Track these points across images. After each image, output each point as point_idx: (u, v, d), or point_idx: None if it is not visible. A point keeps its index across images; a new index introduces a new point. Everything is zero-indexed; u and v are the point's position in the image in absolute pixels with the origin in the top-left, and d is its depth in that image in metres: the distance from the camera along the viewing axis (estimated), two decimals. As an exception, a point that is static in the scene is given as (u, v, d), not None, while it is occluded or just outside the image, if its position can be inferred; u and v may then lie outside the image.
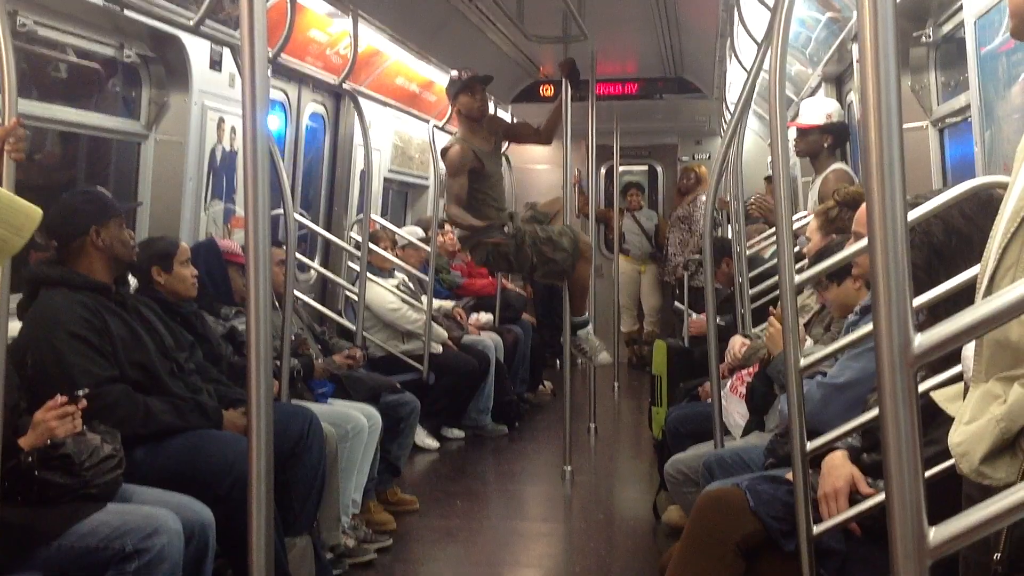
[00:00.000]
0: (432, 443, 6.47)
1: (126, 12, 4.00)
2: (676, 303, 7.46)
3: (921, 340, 1.07)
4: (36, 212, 2.54)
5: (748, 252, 5.34)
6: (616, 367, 8.75)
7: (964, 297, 1.91)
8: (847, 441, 2.55)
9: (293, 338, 4.60)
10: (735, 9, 4.73)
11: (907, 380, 1.06)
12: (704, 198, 6.99)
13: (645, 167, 11.15)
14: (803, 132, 5.06)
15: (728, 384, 4.00)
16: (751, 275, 4.93)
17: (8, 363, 2.70)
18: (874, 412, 2.23)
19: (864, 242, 2.56)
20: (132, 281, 3.94)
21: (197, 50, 4.68)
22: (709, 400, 3.94)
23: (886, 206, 1.08)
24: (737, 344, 4.18)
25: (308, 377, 4.68)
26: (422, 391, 5.93)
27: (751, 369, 3.84)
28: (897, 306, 1.06)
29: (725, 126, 8.41)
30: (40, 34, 3.94)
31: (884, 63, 1.10)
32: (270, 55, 4.43)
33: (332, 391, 4.82)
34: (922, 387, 2.07)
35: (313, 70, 5.75)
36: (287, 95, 6.09)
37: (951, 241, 2.22)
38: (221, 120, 4.95)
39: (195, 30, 4.04)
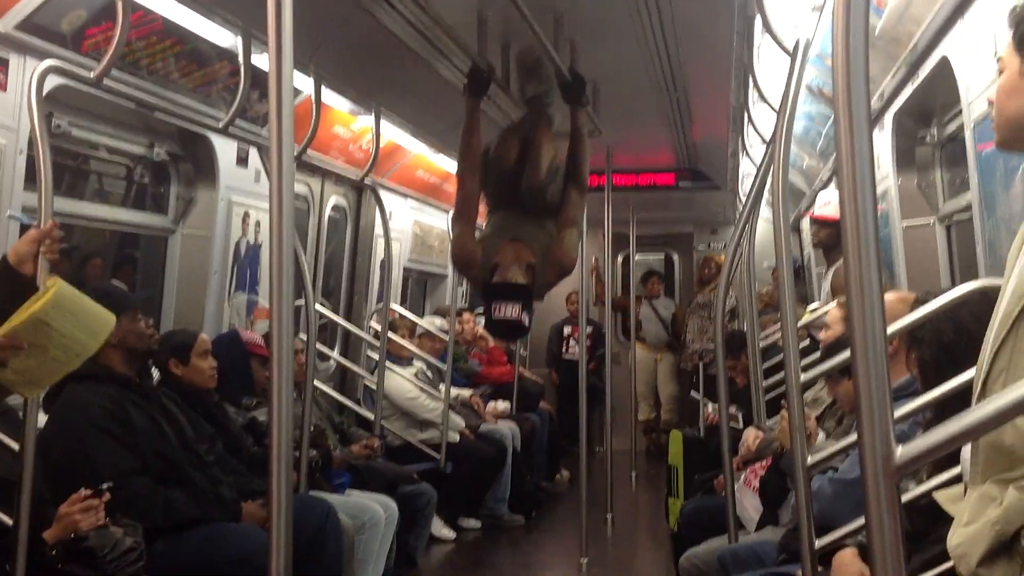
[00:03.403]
0: (449, 533, 6.44)
1: (156, 113, 4.17)
2: (693, 392, 7.47)
3: (903, 451, 1.12)
4: (111, 317, 2.69)
5: (764, 343, 5.37)
6: (633, 456, 8.72)
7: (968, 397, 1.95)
8: (858, 539, 2.56)
9: (312, 429, 4.66)
10: (744, 109, 4.86)
11: (889, 490, 1.12)
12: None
13: (661, 255, 11.24)
14: (823, 223, 5.11)
15: (742, 477, 4.01)
16: (766, 366, 4.95)
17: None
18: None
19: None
20: (156, 372, 4.04)
21: (225, 148, 4.84)
22: (724, 492, 3.95)
23: (866, 322, 1.15)
24: (751, 437, 4.19)
25: (326, 468, 4.72)
26: (439, 480, 5.94)
27: (765, 462, 3.85)
28: (879, 419, 1.12)
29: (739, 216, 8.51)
30: (74, 134, 4.11)
31: (860, 168, 1.17)
32: (296, 152, 4.58)
33: (349, 481, 4.85)
34: (926, 487, 2.11)
35: (336, 165, 5.90)
36: (310, 188, 6.24)
37: (961, 340, 2.25)
38: (246, 214, 5.09)
39: (224, 131, 4.19)
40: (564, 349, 9.88)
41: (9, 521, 2.69)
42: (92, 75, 3.18)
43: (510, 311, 3.60)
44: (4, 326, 2.45)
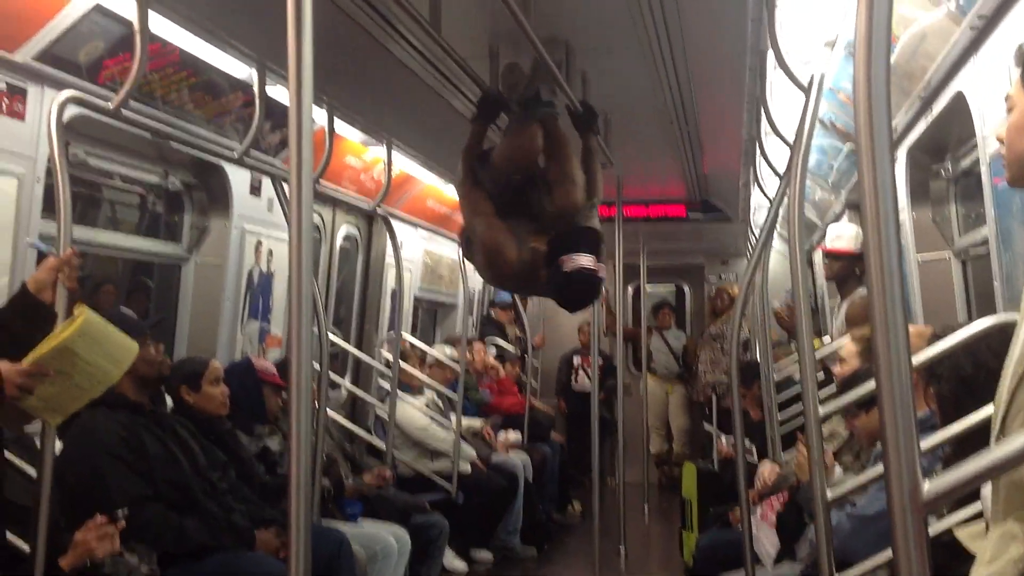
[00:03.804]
0: (460, 565, 6.38)
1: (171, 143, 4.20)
2: (706, 424, 7.44)
3: (930, 487, 1.11)
4: (134, 346, 2.72)
5: (778, 377, 5.35)
6: (646, 488, 8.68)
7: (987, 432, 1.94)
8: (876, 574, 2.54)
9: (324, 458, 4.65)
10: (756, 141, 4.87)
11: (917, 525, 1.11)
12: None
13: (672, 286, 11.23)
14: (836, 257, 5.11)
15: (759, 511, 3.98)
16: (780, 399, 4.93)
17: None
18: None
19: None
20: (169, 400, 4.04)
21: (238, 177, 4.87)
22: (740, 526, 3.92)
23: (891, 355, 1.14)
24: (767, 471, 4.17)
25: (339, 497, 4.71)
26: (451, 511, 5.91)
27: (782, 496, 3.83)
28: (905, 454, 1.11)
29: (751, 248, 8.51)
30: (90, 163, 4.14)
31: (884, 202, 1.17)
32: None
33: (362, 511, 4.83)
34: (946, 523, 2.09)
35: (348, 194, 5.93)
36: (322, 218, 6.27)
37: (980, 375, 2.24)
38: (259, 243, 5.12)
39: (239, 161, 4.22)
40: (573, 379, 9.86)
41: (27, 548, 2.69)
42: (110, 105, 3.21)
43: (586, 259, 3.20)
44: (31, 354, 2.48)
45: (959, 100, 3.32)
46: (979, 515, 1.88)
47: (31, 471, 2.79)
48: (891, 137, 1.19)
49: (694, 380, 9.60)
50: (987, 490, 1.61)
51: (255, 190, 5.09)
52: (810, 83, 2.98)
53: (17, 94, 3.34)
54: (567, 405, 9.74)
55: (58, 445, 3.28)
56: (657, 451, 9.94)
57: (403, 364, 6.36)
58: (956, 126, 3.64)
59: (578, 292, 3.38)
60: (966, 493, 1.26)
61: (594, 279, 3.21)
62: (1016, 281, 2.85)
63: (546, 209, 3.55)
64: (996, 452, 1.14)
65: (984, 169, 3.10)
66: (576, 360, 9.85)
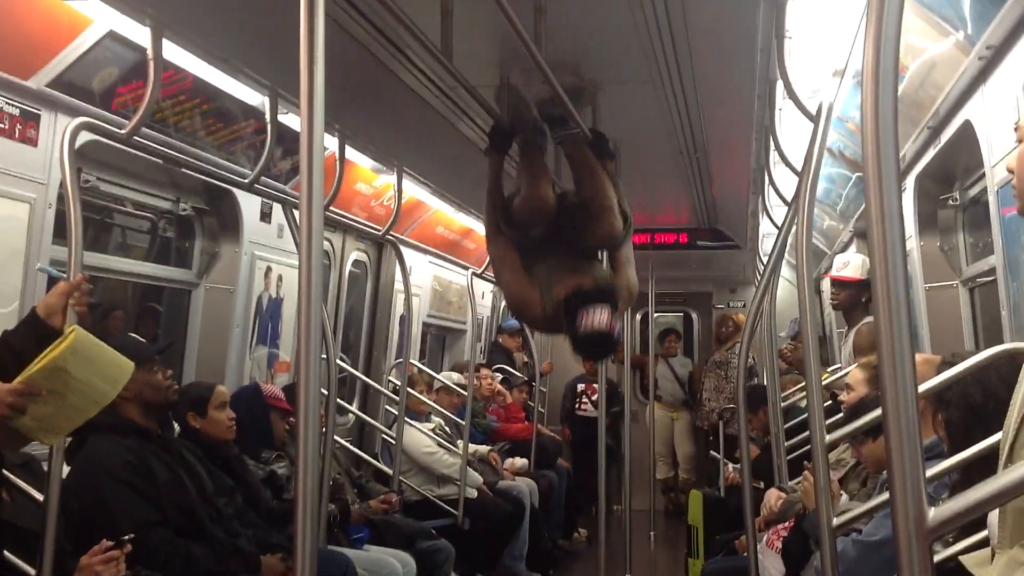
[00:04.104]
0: (466, 591, 6.38)
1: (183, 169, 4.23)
2: (712, 451, 7.42)
3: (935, 514, 1.12)
4: (129, 365, 2.70)
5: (784, 404, 5.33)
6: (652, 515, 8.65)
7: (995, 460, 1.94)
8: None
9: (331, 483, 4.65)
10: (765, 170, 4.89)
11: (922, 552, 1.11)
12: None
13: (680, 314, 11.22)
14: (843, 285, 5.11)
15: (764, 538, 3.97)
16: (787, 426, 4.92)
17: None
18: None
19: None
20: (177, 425, 4.05)
21: (249, 203, 4.90)
22: (746, 554, 3.91)
23: (898, 383, 1.15)
24: (773, 498, 4.16)
25: (345, 522, 4.70)
26: (457, 536, 5.89)
27: (788, 523, 3.81)
28: (911, 480, 1.11)
29: (759, 275, 8.51)
30: (102, 189, 4.18)
31: (891, 233, 1.18)
32: (318, 208, 4.62)
33: (368, 536, 4.83)
34: (952, 550, 2.08)
35: (358, 220, 5.95)
36: (331, 243, 6.30)
37: (989, 404, 2.24)
38: (269, 269, 5.14)
39: (250, 188, 4.24)
40: (577, 406, 9.84)
41: (32, 572, 2.70)
42: (123, 132, 3.24)
43: (599, 317, 3.17)
44: (23, 373, 2.47)
45: (967, 129, 3.34)
46: (986, 542, 1.88)
47: (38, 495, 2.79)
48: (899, 167, 1.20)
49: (699, 407, 9.59)
50: (994, 517, 1.62)
51: (266, 216, 5.12)
52: (818, 112, 2.99)
53: (31, 120, 3.38)
54: (572, 432, 9.71)
55: (65, 469, 3.30)
56: (663, 478, 9.91)
57: (410, 390, 6.36)
58: (964, 155, 3.66)
59: (593, 351, 3.46)
60: (972, 520, 1.26)
61: (606, 338, 3.21)
62: (1023, 310, 2.85)
63: (587, 241, 3.58)
64: (1001, 480, 1.15)
65: (992, 198, 3.11)
66: (581, 387, 9.84)
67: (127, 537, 3.01)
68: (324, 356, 4.84)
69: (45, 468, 2.86)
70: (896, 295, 1.15)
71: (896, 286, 1.15)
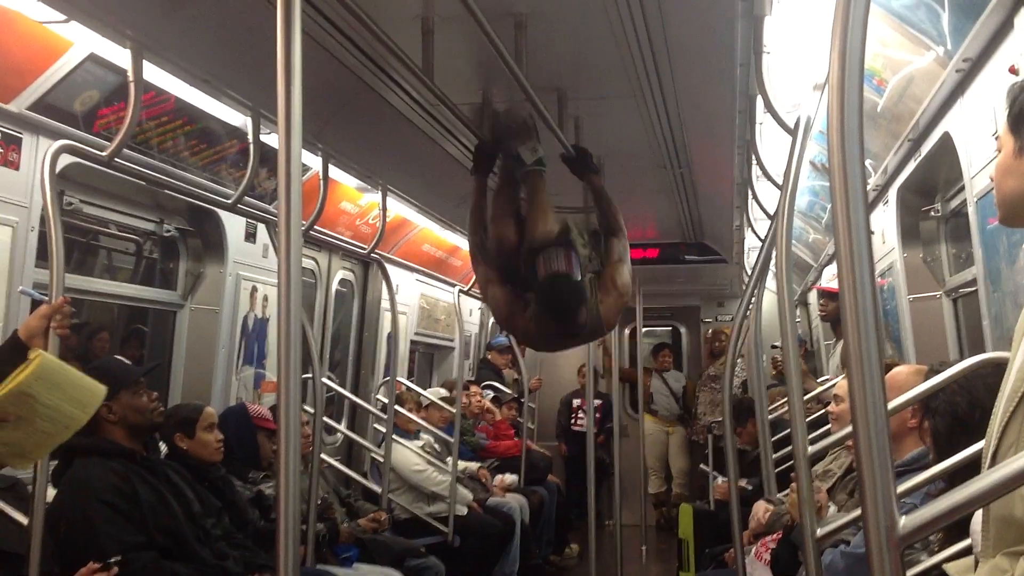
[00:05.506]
0: (456, 609, 6.34)
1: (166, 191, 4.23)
2: (702, 465, 7.42)
3: (906, 522, 1.12)
4: (100, 389, 2.67)
5: (772, 416, 5.35)
6: (644, 529, 8.63)
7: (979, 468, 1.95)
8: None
9: (320, 502, 4.63)
10: (748, 185, 4.91)
11: (894, 561, 1.12)
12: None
13: (669, 328, 11.24)
14: (832, 296, 5.14)
15: (753, 551, 3.96)
16: (775, 439, 4.93)
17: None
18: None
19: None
20: (164, 447, 4.04)
21: (233, 223, 4.90)
22: (735, 566, 3.91)
23: (867, 393, 1.16)
24: (761, 510, 4.15)
25: (333, 542, 4.68)
26: (447, 554, 5.87)
27: (776, 535, 3.81)
28: (882, 490, 1.12)
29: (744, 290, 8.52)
30: (85, 211, 4.17)
31: (857, 247, 1.19)
32: (303, 227, 4.63)
33: (357, 555, 4.81)
34: (936, 559, 2.09)
35: (343, 239, 5.96)
36: (317, 263, 6.29)
37: (975, 413, 2.25)
38: (254, 289, 5.13)
39: (233, 208, 4.24)
40: (573, 421, 9.83)
41: (17, 596, 2.68)
42: (104, 155, 3.24)
43: (557, 260, 3.25)
44: None
45: (947, 141, 3.36)
46: (969, 550, 1.89)
47: (23, 519, 2.78)
48: (864, 180, 1.21)
49: (693, 421, 9.60)
50: (977, 525, 1.62)
51: (250, 236, 5.12)
52: (796, 125, 3.02)
53: (12, 143, 3.38)
54: (568, 447, 9.71)
55: (52, 492, 3.28)
56: (656, 492, 9.91)
57: (399, 408, 6.35)
58: (944, 167, 3.68)
59: (558, 298, 3.43)
60: (951, 529, 1.27)
61: (567, 279, 3.27)
62: (1004, 319, 2.87)
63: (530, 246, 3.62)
64: (971, 487, 1.15)
65: (971, 209, 3.13)
66: (576, 402, 9.83)
67: (113, 559, 3.00)
68: (310, 375, 4.83)
69: (30, 491, 2.84)
70: (864, 308, 1.16)
71: (864, 299, 1.16)
